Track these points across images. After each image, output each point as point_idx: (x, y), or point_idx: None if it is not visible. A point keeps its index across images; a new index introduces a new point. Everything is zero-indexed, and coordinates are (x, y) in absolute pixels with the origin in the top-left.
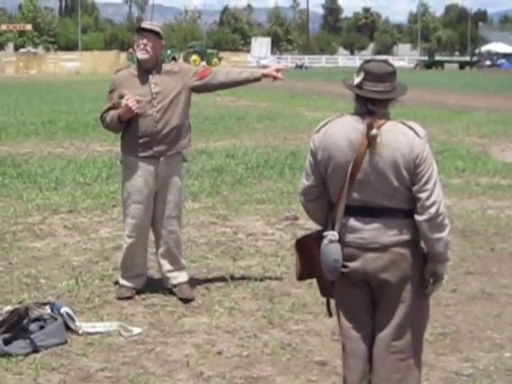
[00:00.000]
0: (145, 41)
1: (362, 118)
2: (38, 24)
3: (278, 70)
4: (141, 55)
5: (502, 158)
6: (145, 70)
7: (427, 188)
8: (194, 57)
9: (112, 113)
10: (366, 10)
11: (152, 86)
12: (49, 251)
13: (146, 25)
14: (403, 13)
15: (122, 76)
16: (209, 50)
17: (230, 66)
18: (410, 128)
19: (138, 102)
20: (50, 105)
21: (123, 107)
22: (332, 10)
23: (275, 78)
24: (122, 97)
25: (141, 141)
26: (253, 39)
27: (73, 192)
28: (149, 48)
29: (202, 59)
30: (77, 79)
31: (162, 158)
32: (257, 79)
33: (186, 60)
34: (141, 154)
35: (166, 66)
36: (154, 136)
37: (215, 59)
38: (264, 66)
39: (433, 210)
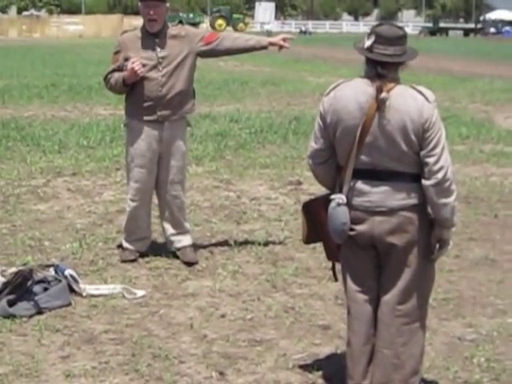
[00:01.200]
0: (151, 11)
1: (372, 82)
2: None
3: (284, 40)
4: (150, 27)
5: (505, 125)
6: (151, 34)
7: (435, 153)
8: (220, 21)
9: (117, 75)
10: None
11: (158, 49)
12: (52, 214)
13: None
14: None
15: (128, 38)
16: (235, 15)
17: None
18: (420, 92)
19: (144, 65)
20: (53, 68)
21: (129, 70)
22: None
23: (281, 47)
24: (127, 59)
25: (145, 104)
26: (257, 4)
27: (76, 155)
28: (156, 17)
29: (228, 24)
30: (80, 43)
31: (166, 123)
32: (263, 47)
33: (212, 25)
34: (145, 118)
35: (172, 30)
36: (158, 100)
37: (241, 24)
38: (268, 31)
39: (440, 175)
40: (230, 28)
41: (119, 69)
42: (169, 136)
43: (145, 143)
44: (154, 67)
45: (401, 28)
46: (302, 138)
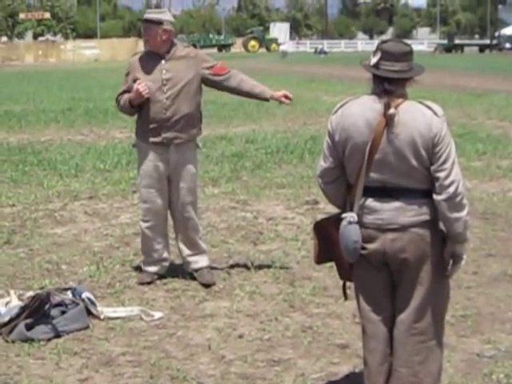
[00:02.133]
0: (145, 33)
1: (380, 98)
2: (56, 12)
3: (286, 96)
4: (144, 47)
5: None
6: (158, 56)
7: (446, 167)
8: (253, 42)
9: (126, 96)
10: None
11: (164, 71)
12: (69, 237)
13: (144, 16)
14: None
15: (137, 60)
16: (267, 36)
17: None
18: (428, 107)
19: (149, 87)
20: (69, 92)
21: (134, 91)
22: None
23: (282, 102)
24: (135, 80)
25: (150, 126)
26: (271, 25)
27: (93, 178)
28: (148, 38)
29: (261, 45)
30: (95, 67)
31: (172, 145)
32: (265, 99)
33: (245, 46)
34: (151, 140)
35: (181, 51)
36: (163, 122)
37: (274, 45)
38: (283, 52)
39: (451, 190)
40: (262, 49)
41: (128, 90)
42: (176, 158)
43: (152, 164)
44: (159, 89)
45: (407, 44)
46: (318, 158)
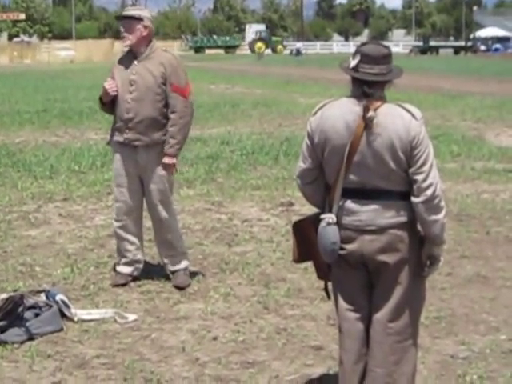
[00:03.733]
0: (122, 29)
1: (359, 101)
2: (31, 13)
3: (167, 165)
4: (124, 44)
5: (496, 142)
6: (133, 55)
7: (423, 170)
8: (259, 44)
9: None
10: None
11: (133, 72)
12: (44, 239)
13: (122, 13)
14: None
15: (118, 59)
16: (273, 38)
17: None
18: (407, 110)
19: (118, 86)
20: (44, 93)
21: (102, 88)
22: None
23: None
24: (112, 78)
25: (116, 125)
26: (247, 26)
27: (68, 180)
28: (126, 34)
29: (267, 46)
30: (71, 68)
31: (139, 146)
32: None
33: (251, 47)
34: (116, 138)
35: (157, 54)
36: (125, 123)
37: (280, 46)
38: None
39: (429, 192)
40: (268, 50)
41: None
42: (144, 160)
43: (120, 163)
44: (126, 89)
45: (386, 46)
46: (294, 159)
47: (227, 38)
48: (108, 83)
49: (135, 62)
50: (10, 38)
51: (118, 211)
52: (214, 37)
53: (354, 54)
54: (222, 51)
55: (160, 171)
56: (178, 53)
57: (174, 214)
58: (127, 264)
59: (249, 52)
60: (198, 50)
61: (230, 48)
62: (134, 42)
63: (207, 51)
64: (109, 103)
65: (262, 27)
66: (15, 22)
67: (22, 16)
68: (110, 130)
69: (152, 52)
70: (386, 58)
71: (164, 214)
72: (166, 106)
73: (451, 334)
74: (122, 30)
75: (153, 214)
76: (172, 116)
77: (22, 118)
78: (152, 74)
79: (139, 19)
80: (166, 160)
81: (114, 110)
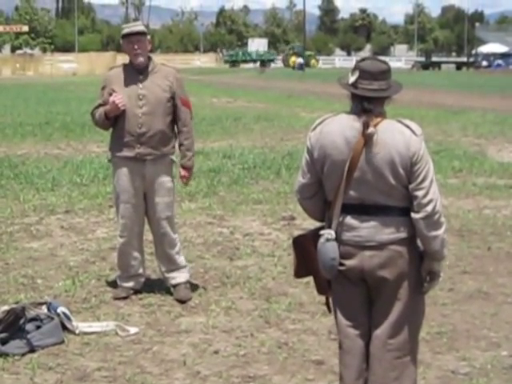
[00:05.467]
0: (136, 46)
1: (359, 117)
2: (34, 25)
3: (185, 177)
4: (137, 61)
5: (498, 158)
6: (136, 70)
7: (424, 186)
8: (293, 58)
9: (101, 109)
10: (363, 11)
11: (140, 86)
12: (45, 251)
13: (130, 29)
14: (400, 14)
15: (114, 74)
16: (307, 52)
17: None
18: (407, 126)
19: (125, 100)
20: (46, 106)
21: (110, 103)
22: (328, 11)
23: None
24: (111, 94)
25: (125, 140)
26: (249, 40)
27: (69, 193)
28: (140, 51)
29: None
30: (73, 80)
31: (147, 160)
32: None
33: (285, 61)
34: (125, 154)
35: (160, 69)
36: (137, 138)
37: (313, 60)
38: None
39: (429, 208)
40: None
41: (104, 104)
42: (151, 173)
43: (127, 179)
44: (135, 104)
45: (384, 62)
46: (295, 174)
47: (261, 52)
48: (117, 97)
49: (140, 77)
50: (13, 50)
51: (123, 227)
52: (249, 50)
53: (353, 70)
54: (256, 65)
55: (167, 184)
56: (212, 66)
57: (176, 228)
58: (129, 278)
59: (252, 65)
60: (233, 63)
61: (264, 62)
62: (143, 59)
63: (242, 65)
64: (112, 118)
65: (263, 41)
66: (18, 35)
67: (25, 28)
68: (113, 147)
69: (155, 66)
70: (385, 73)
71: (167, 228)
72: (173, 119)
73: (452, 349)
74: (134, 46)
75: (156, 228)
76: (184, 129)
77: (25, 130)
78: (160, 87)
79: (146, 34)
80: (184, 173)
81: (111, 125)
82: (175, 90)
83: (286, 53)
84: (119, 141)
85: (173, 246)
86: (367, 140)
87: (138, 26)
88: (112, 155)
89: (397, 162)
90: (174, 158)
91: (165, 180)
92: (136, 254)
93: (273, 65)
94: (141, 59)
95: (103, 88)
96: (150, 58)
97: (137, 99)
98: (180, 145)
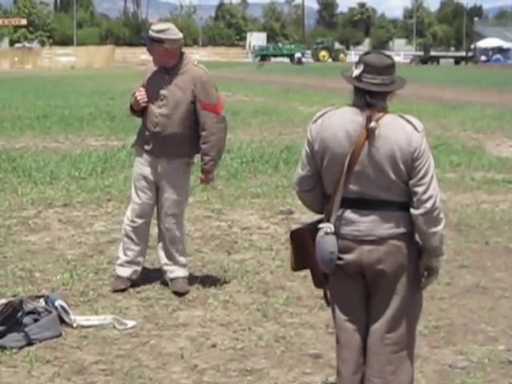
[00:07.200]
0: (148, 49)
1: (361, 110)
2: (33, 19)
3: (203, 181)
4: (154, 63)
5: (496, 153)
6: (164, 69)
7: (424, 182)
8: (323, 53)
9: (132, 99)
10: (362, 5)
11: (163, 86)
12: (43, 245)
13: (149, 32)
14: (399, 8)
15: (150, 68)
16: (336, 47)
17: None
18: (409, 122)
19: (148, 97)
20: (45, 99)
21: (133, 97)
22: (327, 5)
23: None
24: (144, 86)
25: (144, 133)
26: (248, 34)
27: (67, 186)
28: (153, 57)
29: (330, 55)
30: (72, 74)
31: (160, 157)
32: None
33: (315, 56)
34: (142, 145)
35: (188, 71)
36: (152, 135)
37: (342, 55)
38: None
39: (429, 205)
40: (330, 60)
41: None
42: (164, 169)
43: (141, 167)
44: (155, 103)
45: (389, 57)
46: (294, 168)
47: (292, 47)
48: (140, 93)
49: (167, 77)
50: (12, 43)
51: (131, 212)
52: (279, 45)
53: (357, 64)
54: (287, 59)
55: (178, 182)
56: (241, 60)
57: (182, 227)
58: (127, 263)
59: (250, 60)
60: (264, 58)
61: (293, 56)
62: (159, 61)
63: (272, 59)
64: (139, 111)
65: (262, 35)
66: (17, 28)
67: (24, 22)
68: (137, 134)
69: (184, 66)
70: (390, 68)
71: (171, 224)
72: (196, 122)
73: (450, 343)
74: (148, 49)
75: (162, 223)
76: (203, 134)
77: (23, 124)
78: (182, 90)
79: (160, 41)
80: (201, 176)
81: (140, 115)
82: (197, 93)
83: (314, 47)
84: (140, 132)
85: (173, 243)
86: (369, 134)
87: (152, 32)
88: (135, 142)
89: (398, 157)
90: (193, 159)
91: (176, 178)
92: (139, 241)
93: (304, 60)
94: (154, 62)
95: (143, 77)
96: (181, 57)
97: (158, 99)
98: (200, 148)
